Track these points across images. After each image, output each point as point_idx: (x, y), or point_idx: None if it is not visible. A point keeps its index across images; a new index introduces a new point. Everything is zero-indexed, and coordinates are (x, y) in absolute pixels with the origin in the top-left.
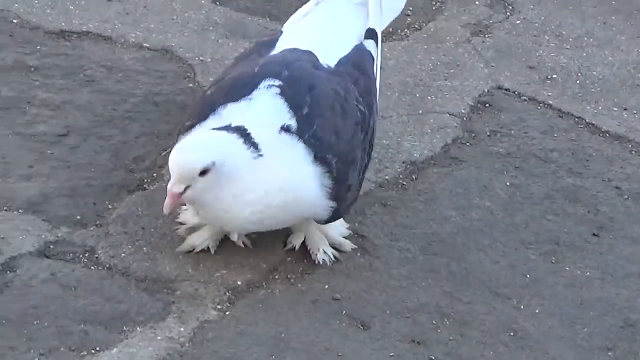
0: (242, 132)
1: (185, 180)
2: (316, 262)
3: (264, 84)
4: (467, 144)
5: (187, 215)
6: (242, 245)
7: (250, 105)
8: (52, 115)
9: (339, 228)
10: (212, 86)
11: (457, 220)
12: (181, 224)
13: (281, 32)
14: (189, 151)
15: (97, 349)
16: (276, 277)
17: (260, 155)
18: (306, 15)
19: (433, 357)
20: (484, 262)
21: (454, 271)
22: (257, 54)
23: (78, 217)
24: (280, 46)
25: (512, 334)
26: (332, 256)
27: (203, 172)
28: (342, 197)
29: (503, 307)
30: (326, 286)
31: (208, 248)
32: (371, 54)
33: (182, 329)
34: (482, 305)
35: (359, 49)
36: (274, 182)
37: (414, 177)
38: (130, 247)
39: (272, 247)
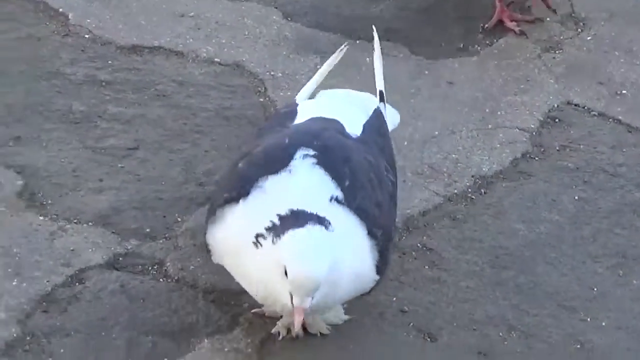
0: (319, 218)
1: (313, 293)
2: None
3: (299, 154)
4: (536, 158)
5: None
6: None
7: (291, 177)
8: (123, 129)
9: (321, 324)
10: (243, 159)
11: (525, 234)
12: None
13: (294, 102)
14: (312, 266)
15: None
16: None
17: (332, 230)
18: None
19: None
20: (552, 275)
21: (521, 284)
22: (280, 125)
23: (147, 229)
24: (301, 114)
25: (578, 346)
26: (294, 334)
27: None
28: (384, 272)
29: (570, 319)
30: (394, 298)
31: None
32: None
33: (249, 340)
34: (549, 317)
35: (379, 113)
36: (347, 255)
37: (482, 191)
38: (198, 259)
39: None
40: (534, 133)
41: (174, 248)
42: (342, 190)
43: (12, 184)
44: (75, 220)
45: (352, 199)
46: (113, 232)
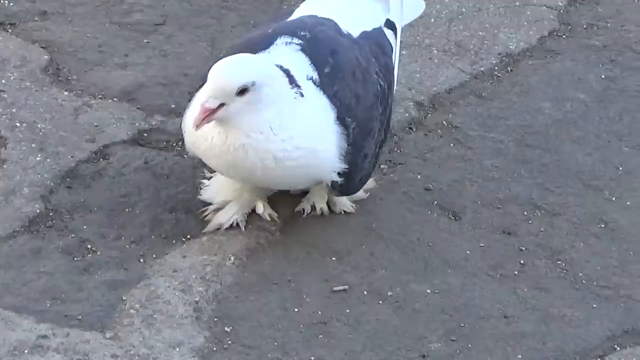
0: (286, 71)
1: (221, 97)
2: (297, 209)
3: (281, 40)
4: (563, 36)
5: (210, 192)
6: (269, 219)
7: (269, 56)
8: (149, 5)
9: (345, 202)
10: (230, 48)
11: (551, 113)
12: (205, 205)
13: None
14: (231, 66)
15: (188, 237)
16: None
17: (302, 96)
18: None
19: (523, 248)
20: (577, 154)
21: (546, 163)
22: (273, 22)
23: (172, 105)
24: (297, 13)
25: (602, 225)
26: (319, 211)
27: (242, 91)
28: (356, 164)
29: (595, 198)
30: (418, 176)
31: (237, 224)
32: (390, 43)
33: (273, 217)
34: (574, 196)
35: (380, 31)
36: (305, 127)
37: (509, 69)
38: None
39: None
40: (561, 11)
41: None
42: (319, 75)
43: (37, 59)
44: (100, 96)
45: (328, 85)
46: (138, 108)
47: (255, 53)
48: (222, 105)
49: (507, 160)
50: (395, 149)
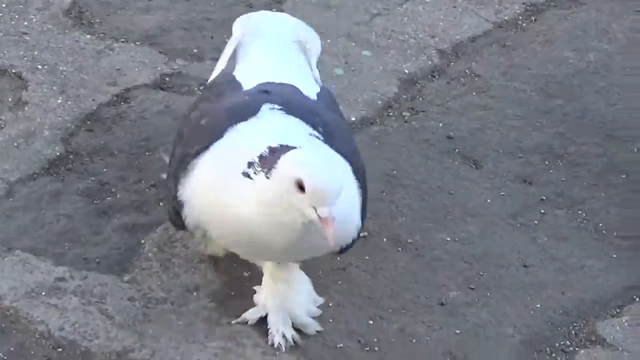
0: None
1: (336, 200)
2: (270, 343)
3: (265, 106)
4: None
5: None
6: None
7: (261, 121)
8: None
9: (308, 305)
10: (202, 117)
11: (575, 63)
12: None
13: (228, 72)
14: (333, 170)
15: None
16: (390, 114)
17: None
18: (241, 58)
19: (544, 197)
20: (600, 105)
21: (568, 113)
22: (230, 90)
23: (195, 50)
24: (247, 82)
25: (624, 176)
26: (292, 340)
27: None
28: (364, 218)
29: (616, 149)
30: (440, 124)
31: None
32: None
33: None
34: (595, 147)
35: (327, 91)
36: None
37: (533, 18)
38: None
39: (387, 83)
40: None
41: None
42: (318, 132)
43: (60, 1)
44: (122, 40)
45: (330, 142)
46: (160, 52)
47: (245, 120)
48: None
49: (529, 110)
50: (418, 96)
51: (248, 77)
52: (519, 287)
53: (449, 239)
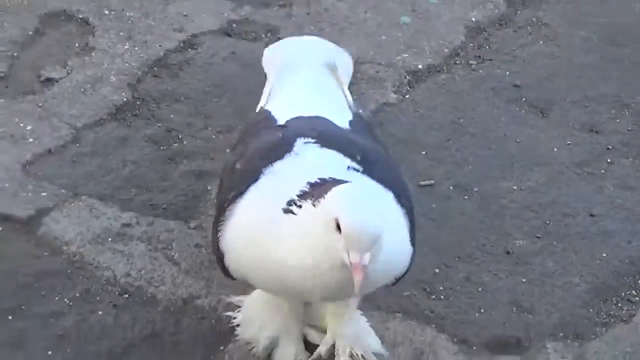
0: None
1: (372, 248)
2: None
3: (299, 142)
4: None
5: (250, 329)
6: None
7: (299, 158)
8: None
9: (373, 344)
10: (238, 161)
11: None
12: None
13: (264, 109)
14: (370, 217)
15: None
16: (457, 62)
17: None
18: (275, 93)
19: (610, 147)
20: None
21: (636, 62)
22: (264, 129)
23: None
24: (280, 117)
25: None
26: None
27: None
28: (414, 245)
29: None
30: (507, 73)
31: None
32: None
33: (360, 111)
34: None
35: (360, 117)
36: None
37: None
38: (311, 27)
39: (454, 31)
40: None
41: (287, 16)
42: (356, 162)
43: None
44: None
45: (370, 171)
46: None
47: (281, 158)
48: None
49: (596, 58)
50: (484, 45)
51: (281, 112)
52: (585, 236)
53: (515, 187)
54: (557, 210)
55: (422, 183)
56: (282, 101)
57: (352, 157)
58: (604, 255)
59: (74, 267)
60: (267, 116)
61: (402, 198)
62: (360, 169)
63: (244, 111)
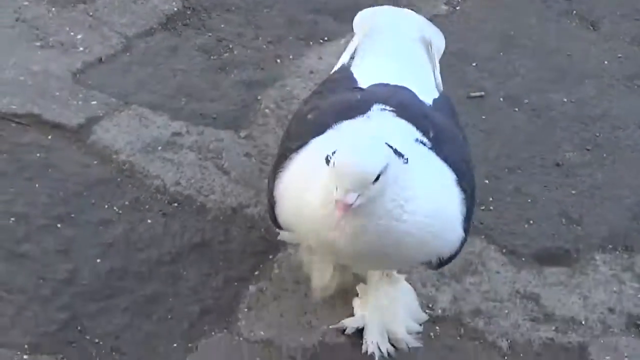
0: (394, 150)
1: (360, 188)
2: (364, 351)
3: (376, 107)
4: None
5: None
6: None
7: (370, 121)
8: None
9: (408, 322)
10: (310, 112)
11: None
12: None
13: (346, 68)
14: (365, 156)
15: (325, 39)
16: None
17: (406, 162)
18: (361, 54)
19: None
20: None
21: None
22: (344, 88)
23: None
24: (362, 80)
25: None
26: (386, 353)
27: (377, 178)
28: (467, 232)
29: None
30: None
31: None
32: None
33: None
34: None
35: (446, 98)
36: (430, 192)
37: None
38: None
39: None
40: None
41: None
42: (428, 139)
43: None
44: None
45: (439, 149)
46: None
47: (353, 116)
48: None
49: None
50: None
51: (365, 75)
52: (635, 149)
53: (565, 99)
54: (607, 123)
55: (472, 94)
56: (368, 64)
57: (425, 132)
58: None
59: (123, 175)
60: (348, 76)
61: (464, 183)
62: (429, 144)
63: (294, 21)
